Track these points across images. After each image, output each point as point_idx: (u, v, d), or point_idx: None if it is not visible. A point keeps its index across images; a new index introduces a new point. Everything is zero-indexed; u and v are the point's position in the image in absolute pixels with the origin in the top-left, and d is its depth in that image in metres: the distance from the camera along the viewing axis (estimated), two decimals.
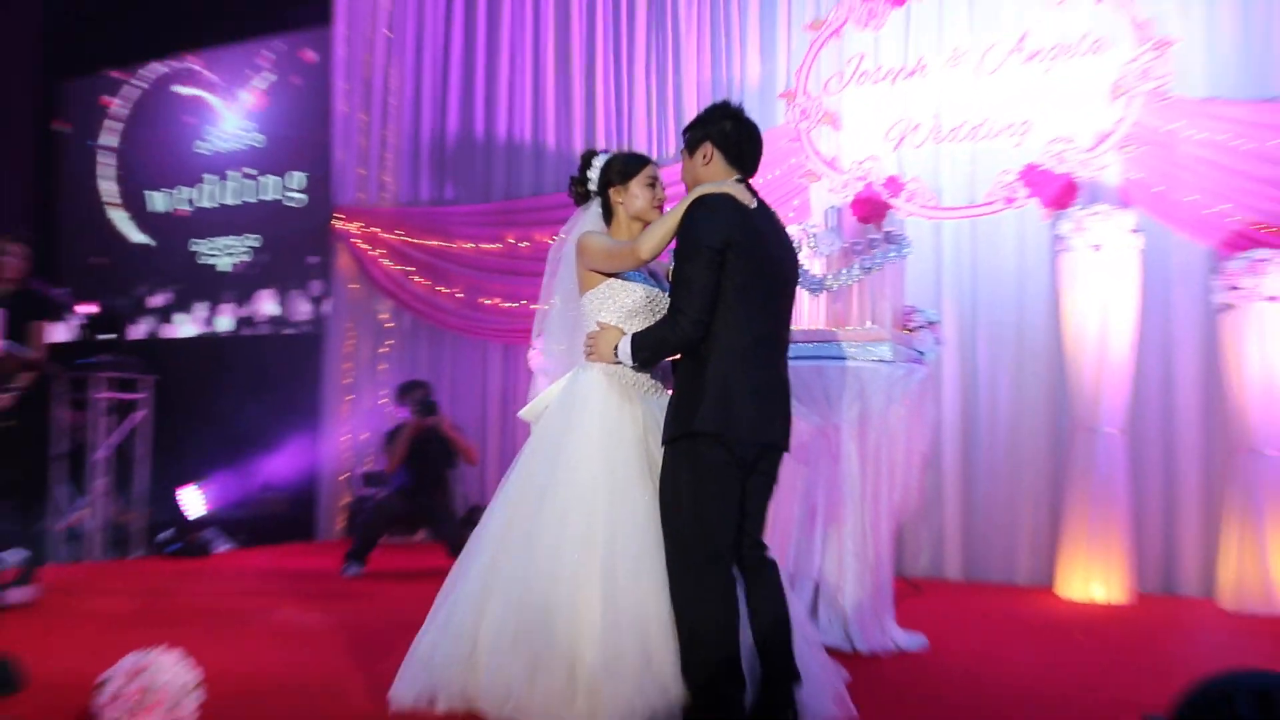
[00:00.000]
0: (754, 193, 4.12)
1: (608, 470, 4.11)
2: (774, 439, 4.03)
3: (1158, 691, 4.97)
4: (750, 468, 3.98)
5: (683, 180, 4.33)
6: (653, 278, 4.37)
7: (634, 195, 4.41)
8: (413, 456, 8.78)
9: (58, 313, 10.83)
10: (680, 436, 3.94)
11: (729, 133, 4.18)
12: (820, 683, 4.24)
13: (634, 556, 4.00)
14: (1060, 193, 8.39)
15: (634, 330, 4.19)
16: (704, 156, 4.18)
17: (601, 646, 3.89)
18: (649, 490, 4.08)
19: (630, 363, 4.15)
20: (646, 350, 4.09)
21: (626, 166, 4.46)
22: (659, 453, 4.08)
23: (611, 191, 4.46)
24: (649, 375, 4.30)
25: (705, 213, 3.96)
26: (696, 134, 4.23)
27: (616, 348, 4.15)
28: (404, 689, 4.24)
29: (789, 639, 4.02)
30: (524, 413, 4.54)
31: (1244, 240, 7.71)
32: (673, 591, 3.92)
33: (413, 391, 8.91)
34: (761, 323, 4.01)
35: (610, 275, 4.29)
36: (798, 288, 6.02)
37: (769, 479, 4.14)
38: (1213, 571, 7.82)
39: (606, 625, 3.92)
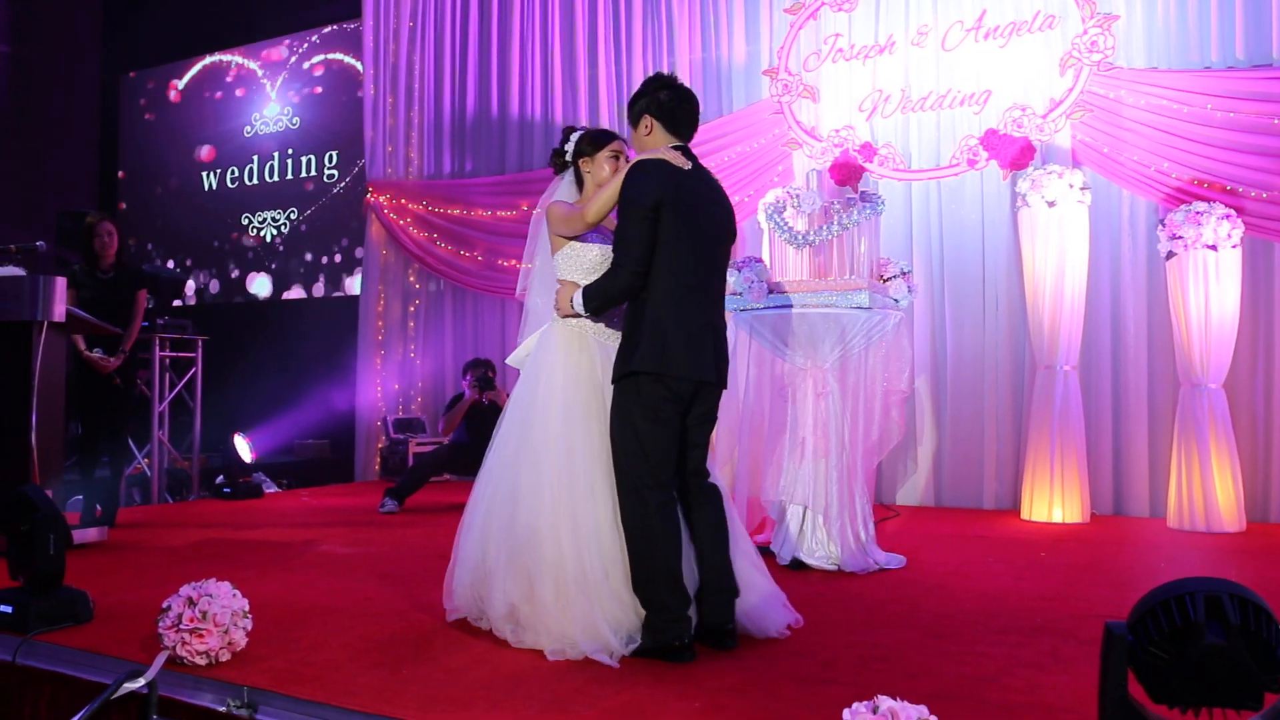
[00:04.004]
0: (692, 156, 4.17)
1: (568, 410, 4.18)
2: (706, 377, 4.06)
3: (1114, 599, 4.96)
4: (689, 403, 4.07)
5: (634, 148, 4.37)
6: (606, 239, 4.37)
7: (600, 166, 4.43)
8: (469, 421, 8.86)
9: (166, 287, 10.92)
10: (625, 375, 4.01)
11: (664, 102, 4.21)
12: (773, 602, 4.33)
13: (590, 485, 4.10)
14: (1017, 155, 8.33)
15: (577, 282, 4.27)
16: (645, 128, 4.24)
17: (572, 563, 4.00)
18: (603, 426, 4.14)
19: (584, 313, 4.20)
20: (595, 300, 4.14)
21: (595, 141, 4.48)
22: (609, 391, 4.16)
23: (581, 162, 4.50)
24: (608, 324, 4.32)
25: (640, 175, 4.03)
26: (637, 107, 4.27)
27: (573, 300, 4.20)
28: (449, 613, 4.48)
29: (727, 556, 4.12)
30: (511, 359, 4.62)
31: (1183, 195, 7.67)
32: (622, 514, 4.01)
33: (475, 369, 8.94)
34: (693, 273, 4.05)
35: (570, 239, 4.34)
36: (784, 243, 6.09)
37: (708, 415, 4.22)
38: (1159, 494, 7.88)
39: (574, 544, 4.02)
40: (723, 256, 4.26)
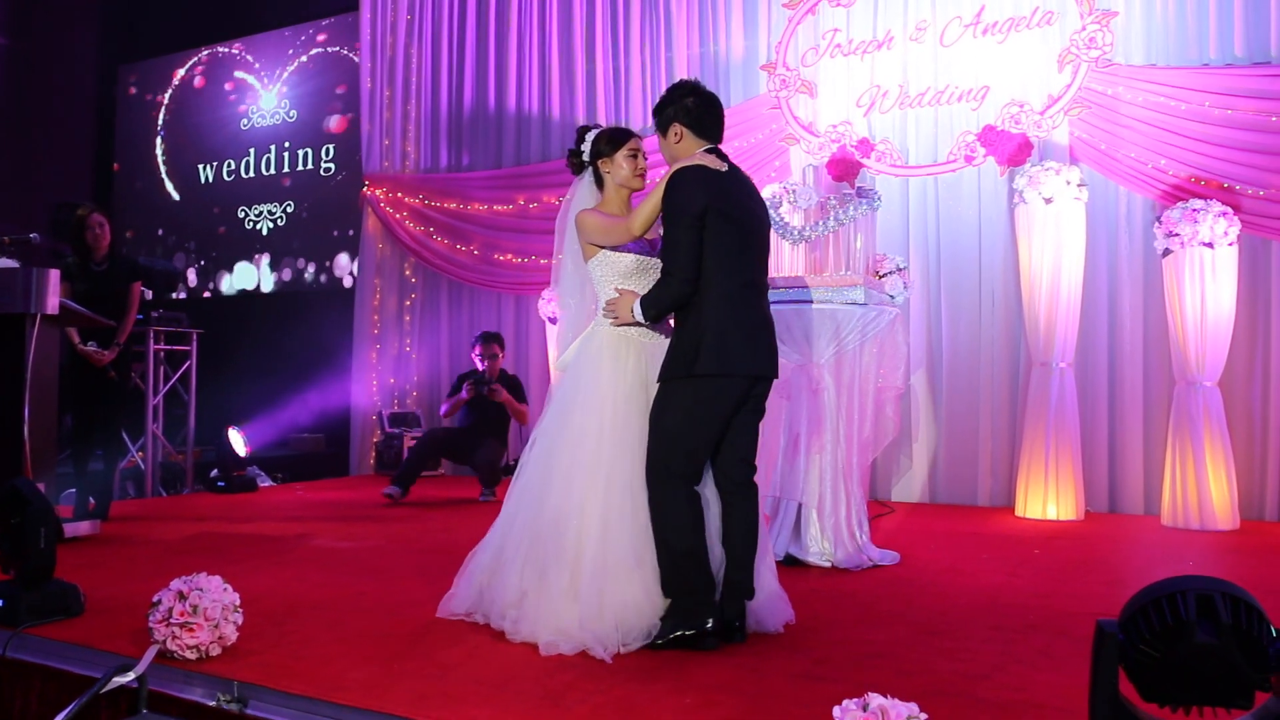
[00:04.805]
0: (724, 157, 4.21)
1: (613, 407, 4.20)
2: (765, 371, 4.15)
3: (1107, 597, 4.96)
4: (743, 400, 4.11)
5: (663, 155, 4.37)
6: (641, 246, 4.39)
7: (619, 165, 4.44)
8: (472, 406, 8.89)
9: (161, 279, 10.95)
10: (680, 376, 4.04)
11: (691, 108, 4.25)
12: (775, 599, 4.36)
13: (628, 481, 4.12)
14: (1015, 151, 8.32)
15: (631, 289, 4.28)
16: (675, 135, 4.27)
17: (596, 551, 4.03)
18: (644, 424, 4.16)
19: (644, 321, 4.21)
20: (653, 309, 4.16)
21: (612, 140, 4.48)
22: (654, 390, 4.19)
23: (600, 162, 4.49)
24: (651, 326, 4.32)
25: (682, 183, 4.06)
26: (665, 115, 4.30)
27: (633, 309, 4.21)
28: (446, 604, 4.47)
29: (754, 556, 4.18)
30: (559, 363, 4.62)
31: (1180, 192, 7.67)
32: (651, 501, 4.06)
33: (486, 344, 8.97)
34: (744, 270, 4.12)
35: (605, 247, 4.35)
36: (780, 238, 6.09)
37: (758, 406, 4.25)
38: (1153, 491, 7.88)
39: (601, 535, 4.05)
40: (765, 250, 4.31)
